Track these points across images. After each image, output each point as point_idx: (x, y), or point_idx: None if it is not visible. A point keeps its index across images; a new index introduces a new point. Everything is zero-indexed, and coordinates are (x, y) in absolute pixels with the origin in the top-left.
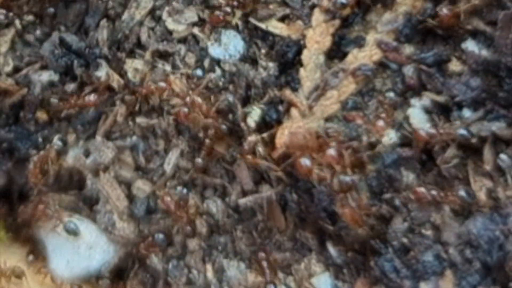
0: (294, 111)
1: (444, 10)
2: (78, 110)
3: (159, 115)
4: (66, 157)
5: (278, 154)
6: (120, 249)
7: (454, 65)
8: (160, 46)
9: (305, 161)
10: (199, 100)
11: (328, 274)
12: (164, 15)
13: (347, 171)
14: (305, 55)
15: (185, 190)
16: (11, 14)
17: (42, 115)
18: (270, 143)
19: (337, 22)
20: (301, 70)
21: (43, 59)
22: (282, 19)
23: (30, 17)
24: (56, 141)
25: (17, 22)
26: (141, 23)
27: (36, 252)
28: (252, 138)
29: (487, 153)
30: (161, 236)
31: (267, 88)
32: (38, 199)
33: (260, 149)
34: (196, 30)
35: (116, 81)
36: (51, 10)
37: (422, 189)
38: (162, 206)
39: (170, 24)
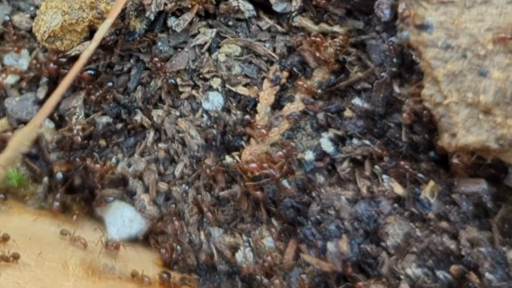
0: (252, 140)
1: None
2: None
3: (172, 141)
4: (117, 167)
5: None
6: (149, 222)
7: (348, 112)
8: (172, 101)
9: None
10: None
11: (271, 237)
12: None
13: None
14: (259, 107)
15: (187, 187)
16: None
17: (102, 142)
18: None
19: (277, 87)
20: (256, 116)
21: (103, 109)
22: (245, 85)
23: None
24: (113, 160)
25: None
26: (161, 88)
27: (98, 224)
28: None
29: (367, 165)
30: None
31: (236, 126)
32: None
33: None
34: (194, 92)
35: (146, 122)
36: (109, 83)
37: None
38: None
39: (179, 88)
